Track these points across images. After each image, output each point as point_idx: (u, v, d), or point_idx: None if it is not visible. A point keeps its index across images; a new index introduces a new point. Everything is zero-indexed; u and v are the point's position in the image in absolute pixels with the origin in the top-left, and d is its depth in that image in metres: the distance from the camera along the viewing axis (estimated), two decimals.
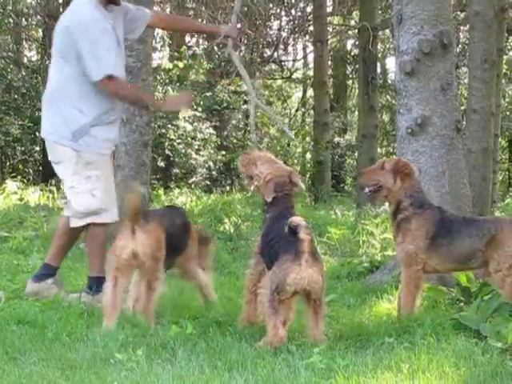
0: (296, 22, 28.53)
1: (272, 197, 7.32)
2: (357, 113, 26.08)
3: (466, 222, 8.02)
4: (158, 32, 28.10)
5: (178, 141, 25.46)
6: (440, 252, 7.75)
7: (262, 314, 6.91)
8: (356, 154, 25.27)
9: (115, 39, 8.39)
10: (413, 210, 7.78)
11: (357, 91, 27.83)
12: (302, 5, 27.19)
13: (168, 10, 29.14)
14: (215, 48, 27.10)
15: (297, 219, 6.78)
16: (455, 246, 7.77)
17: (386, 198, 8.02)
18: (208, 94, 26.75)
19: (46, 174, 26.34)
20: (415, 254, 7.75)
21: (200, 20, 29.65)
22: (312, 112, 28.40)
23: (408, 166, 7.99)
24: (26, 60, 30.53)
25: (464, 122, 12.12)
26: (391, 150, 29.76)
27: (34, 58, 31.29)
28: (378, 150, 23.64)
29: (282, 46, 30.43)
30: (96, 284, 8.46)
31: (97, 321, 7.69)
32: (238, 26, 9.13)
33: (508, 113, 31.01)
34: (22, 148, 28.34)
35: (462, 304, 8.18)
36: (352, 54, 30.16)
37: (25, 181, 25.12)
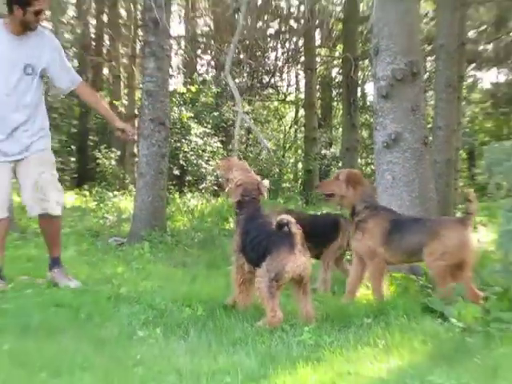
0: (290, 53, 28.59)
1: (237, 199, 7.40)
2: (341, 129, 26.02)
3: (415, 221, 8.09)
4: (174, 61, 28.17)
5: (190, 153, 25.47)
6: (392, 246, 7.82)
7: (260, 299, 6.91)
8: (340, 164, 25.24)
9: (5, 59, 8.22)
10: (369, 212, 7.93)
11: (341, 111, 27.77)
12: (294, 39, 27.21)
13: (182, 44, 29.15)
14: (222, 75, 27.06)
15: (286, 217, 6.83)
16: (405, 241, 7.84)
17: (342, 203, 8.21)
18: (215, 114, 26.76)
19: (79, 181, 26.41)
20: (374, 248, 7.85)
21: (209, 52, 29.77)
22: (303, 129, 28.39)
23: (358, 175, 8.18)
24: None
25: (430, 137, 12.11)
26: (370, 161, 29.70)
27: None
28: (359, 160, 23.63)
29: (278, 74, 30.45)
30: None
31: (122, 303, 7.69)
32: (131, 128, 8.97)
33: (467, 129, 31.00)
34: (60, 159, 28.35)
35: (429, 290, 8.16)
36: (336, 80, 30.10)
37: (62, 186, 25.10)
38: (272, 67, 29.73)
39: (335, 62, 28.18)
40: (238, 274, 7.44)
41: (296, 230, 6.71)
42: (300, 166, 30.45)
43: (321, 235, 8.84)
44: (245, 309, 7.35)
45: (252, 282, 7.22)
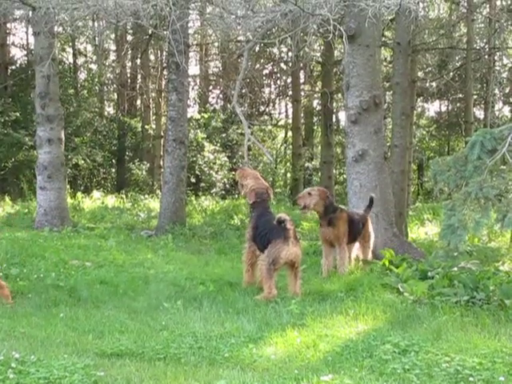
0: (280, 88, 28.60)
1: (253, 201, 7.45)
2: (320, 147, 26.01)
3: (360, 215, 8.87)
4: (191, 94, 28.14)
5: (204, 165, 25.46)
6: (350, 233, 8.54)
7: (261, 277, 6.97)
8: (319, 174, 25.21)
9: None
10: (338, 213, 8.49)
11: (320, 133, 27.75)
12: (284, 77, 27.22)
13: (198, 81, 29.15)
14: (229, 105, 27.03)
15: (283, 215, 6.91)
16: (354, 229, 8.57)
17: (314, 210, 8.55)
18: (223, 135, 26.76)
19: (118, 187, 26.32)
20: (343, 235, 8.31)
21: (218, 87, 29.78)
22: (291, 146, 28.37)
23: (325, 191, 8.63)
24: (106, 113, 30.52)
25: (389, 153, 12.10)
26: (342, 172, 29.65)
27: (111, 112, 31.25)
28: (334, 171, 23.58)
29: (271, 104, 30.47)
30: None
31: (151, 282, 7.69)
32: None
33: (417, 147, 30.99)
34: (104, 170, 28.35)
35: (387, 271, 8.16)
36: (317, 109, 30.03)
37: (105, 191, 25.13)
38: (267, 99, 29.74)
39: (315, 95, 28.14)
40: (247, 258, 7.53)
41: (290, 226, 6.83)
42: (288, 175, 30.42)
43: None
44: (247, 286, 7.37)
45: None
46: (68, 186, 18.44)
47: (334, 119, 24.68)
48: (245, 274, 7.54)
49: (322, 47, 22.16)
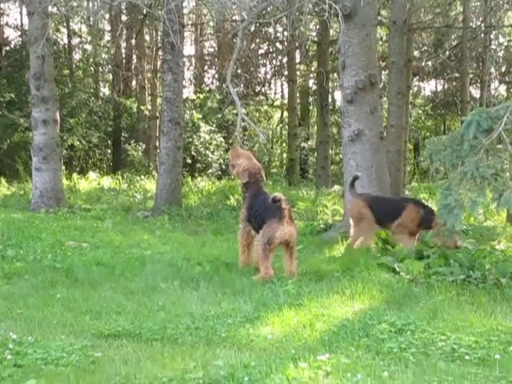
0: (276, 68, 28.45)
1: (246, 181, 7.42)
2: (316, 127, 25.95)
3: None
4: (186, 75, 28.02)
5: (199, 146, 25.43)
6: None
7: (257, 258, 6.96)
8: (315, 154, 25.16)
9: None
10: None
11: (315, 113, 27.66)
12: (280, 57, 27.07)
13: (193, 61, 29.01)
14: (223, 85, 26.91)
15: (279, 195, 6.90)
16: None
17: None
18: (219, 116, 26.68)
19: (114, 168, 26.28)
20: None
21: (214, 67, 29.65)
22: (286, 127, 28.33)
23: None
24: (101, 94, 30.38)
25: (385, 133, 12.09)
26: (338, 152, 29.63)
27: (106, 93, 31.10)
28: (330, 151, 23.53)
29: (267, 84, 30.35)
30: None
31: (148, 262, 7.68)
32: None
33: (413, 127, 30.97)
34: (99, 151, 28.30)
35: (384, 251, 8.17)
36: (312, 89, 29.91)
37: (101, 172, 25.08)
38: (262, 79, 29.61)
39: (311, 75, 28.03)
40: (243, 239, 7.51)
41: (285, 205, 6.81)
42: (284, 155, 30.40)
43: None
44: (244, 267, 7.37)
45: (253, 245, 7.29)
46: (63, 168, 18.40)
47: (329, 99, 24.58)
48: (240, 255, 7.53)
49: (318, 26, 22.03)
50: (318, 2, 9.41)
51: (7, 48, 25.24)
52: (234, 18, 17.11)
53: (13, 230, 9.57)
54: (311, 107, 31.76)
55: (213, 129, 26.05)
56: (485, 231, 10.59)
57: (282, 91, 33.60)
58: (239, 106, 10.49)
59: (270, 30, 24.44)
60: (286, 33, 22.90)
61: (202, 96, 26.18)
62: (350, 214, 8.74)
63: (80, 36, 29.01)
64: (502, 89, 30.56)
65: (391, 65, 12.79)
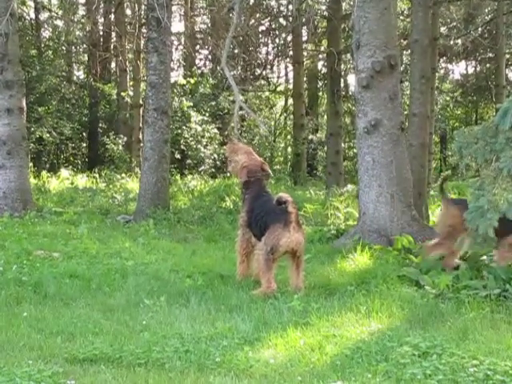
0: (279, 48, 28.48)
1: (244, 180, 7.44)
2: (325, 117, 25.98)
3: None
4: (175, 56, 28.04)
5: (190, 138, 25.45)
6: None
7: (257, 269, 6.96)
8: (325, 148, 25.20)
9: None
10: None
11: (325, 100, 27.69)
12: (283, 35, 27.09)
13: (182, 40, 29.04)
14: (218, 68, 26.99)
15: (285, 195, 6.91)
16: None
17: None
18: (213, 103, 26.71)
19: (90, 164, 26.32)
20: None
21: (207, 47, 29.67)
22: (292, 116, 28.39)
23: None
24: (75, 78, 30.44)
25: (406, 123, 12.09)
26: (352, 145, 29.70)
27: (81, 77, 31.18)
28: (342, 145, 23.57)
29: (268, 66, 30.39)
30: None
31: (130, 275, 7.69)
32: None
33: (439, 116, 31.04)
34: (73, 145, 28.32)
35: (405, 261, 8.17)
36: (322, 72, 30.00)
37: (74, 169, 25.11)
38: (263, 61, 29.65)
39: (320, 56, 28.08)
40: (241, 247, 7.51)
41: (292, 208, 6.80)
42: (289, 149, 30.45)
43: None
44: (242, 279, 7.37)
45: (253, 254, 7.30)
46: (31, 164, 18.43)
47: (341, 84, 24.62)
48: (238, 266, 7.53)
49: None
50: None
51: None
52: None
53: None
54: (320, 93, 31.82)
55: (205, 118, 26.08)
56: None
57: (286, 75, 33.70)
58: (236, 91, 10.50)
59: (273, 2, 24.51)
60: (290, 6, 22.93)
61: (192, 80, 26.18)
62: (446, 228, 7.97)
63: (49, 10, 29.01)
64: None
65: (414, 44, 12.78)
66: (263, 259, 6.81)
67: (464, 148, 7.02)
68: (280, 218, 6.82)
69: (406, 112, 13.61)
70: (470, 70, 32.81)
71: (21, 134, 13.76)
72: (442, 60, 28.89)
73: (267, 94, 32.08)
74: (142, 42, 25.38)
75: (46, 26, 29.29)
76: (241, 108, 10.70)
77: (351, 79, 30.93)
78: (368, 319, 5.80)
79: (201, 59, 31.10)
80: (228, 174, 24.21)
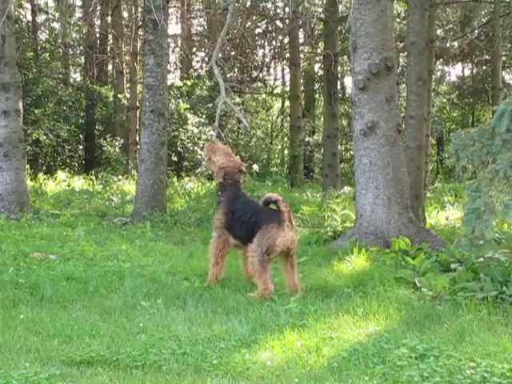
0: (276, 50, 28.52)
1: (219, 181, 7.39)
2: (322, 119, 25.99)
3: None
4: (171, 58, 28.03)
5: (187, 141, 25.42)
6: None
7: (252, 272, 6.92)
8: (322, 150, 25.21)
9: None
10: None
11: (322, 102, 27.73)
12: (280, 37, 27.12)
13: (179, 42, 29.03)
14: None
15: (274, 195, 6.94)
16: None
17: None
18: (210, 105, 26.70)
19: (87, 166, 26.31)
20: None
21: (203, 49, 29.67)
22: (288, 118, 28.38)
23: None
24: (71, 80, 30.41)
25: (403, 126, 12.11)
26: (349, 147, 29.74)
27: (78, 79, 31.17)
28: (339, 147, 23.59)
29: (265, 69, 30.42)
30: None
31: (127, 277, 7.68)
32: None
33: (436, 118, 31.06)
34: (69, 147, 28.28)
35: (403, 263, 8.18)
36: (318, 74, 30.01)
37: (71, 171, 25.09)
38: (260, 63, 29.68)
39: (317, 58, 28.07)
40: (217, 249, 7.41)
41: (284, 207, 6.80)
42: (286, 152, 30.45)
43: None
44: (215, 281, 7.31)
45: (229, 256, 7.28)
46: (28, 166, 18.38)
47: (338, 86, 24.63)
48: (212, 268, 7.42)
49: (325, 1, 22.08)
50: None
51: None
52: None
53: None
54: (317, 95, 31.82)
55: (202, 121, 26.04)
56: None
57: (282, 77, 33.71)
58: (222, 88, 10.47)
59: (269, 5, 24.51)
60: (287, 9, 22.94)
61: (189, 83, 26.14)
62: None
63: (46, 12, 29.03)
64: None
65: (410, 46, 12.80)
66: (258, 261, 6.77)
67: (461, 150, 7.04)
68: (273, 217, 6.81)
69: (402, 114, 13.62)
70: (467, 72, 32.88)
71: (17, 136, 13.74)
72: (438, 62, 28.93)
73: (264, 96, 32.08)
74: (139, 44, 25.40)
75: (42, 29, 29.24)
76: (228, 106, 10.68)
77: (348, 81, 31.06)
78: (365, 321, 5.80)
79: (197, 61, 31.15)
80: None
